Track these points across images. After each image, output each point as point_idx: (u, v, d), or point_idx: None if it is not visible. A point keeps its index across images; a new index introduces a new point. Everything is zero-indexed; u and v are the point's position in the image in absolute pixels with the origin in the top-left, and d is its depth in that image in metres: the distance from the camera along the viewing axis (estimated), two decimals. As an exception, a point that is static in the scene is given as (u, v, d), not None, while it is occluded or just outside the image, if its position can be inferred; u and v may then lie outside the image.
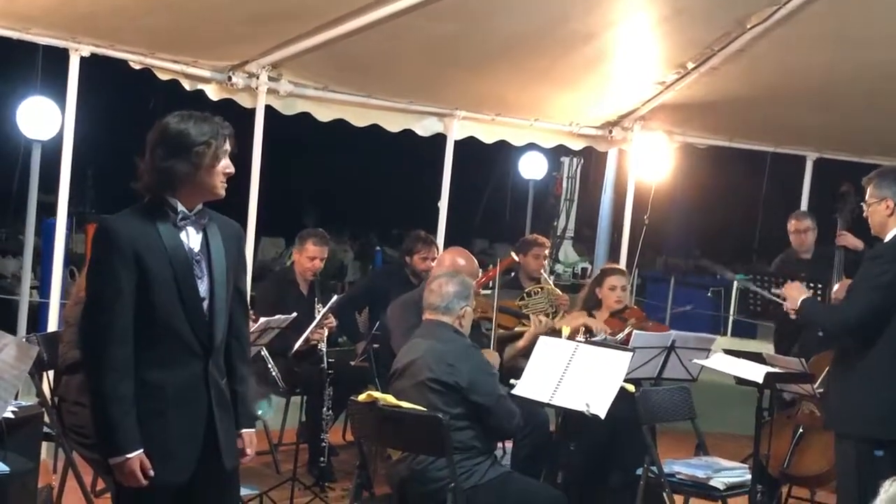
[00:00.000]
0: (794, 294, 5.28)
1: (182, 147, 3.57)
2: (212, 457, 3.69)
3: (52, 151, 7.27)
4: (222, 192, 3.69)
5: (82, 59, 6.67)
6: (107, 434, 3.52)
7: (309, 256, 7.16)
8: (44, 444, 5.60)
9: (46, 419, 5.26)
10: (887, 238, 4.92)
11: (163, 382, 3.58)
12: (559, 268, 18.65)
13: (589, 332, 6.51)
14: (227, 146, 3.66)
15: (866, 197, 5.00)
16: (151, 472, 3.52)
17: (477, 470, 4.89)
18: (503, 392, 5.14)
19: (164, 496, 3.66)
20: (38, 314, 9.17)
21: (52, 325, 6.81)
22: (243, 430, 3.85)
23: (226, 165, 3.65)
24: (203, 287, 3.65)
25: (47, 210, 8.79)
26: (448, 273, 5.44)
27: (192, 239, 3.65)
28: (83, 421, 5.21)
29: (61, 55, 6.70)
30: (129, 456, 3.49)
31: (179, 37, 6.82)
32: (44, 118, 7.40)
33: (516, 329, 6.75)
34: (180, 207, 3.62)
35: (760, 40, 7.28)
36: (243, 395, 3.88)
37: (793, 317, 5.39)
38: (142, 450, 3.51)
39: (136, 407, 3.50)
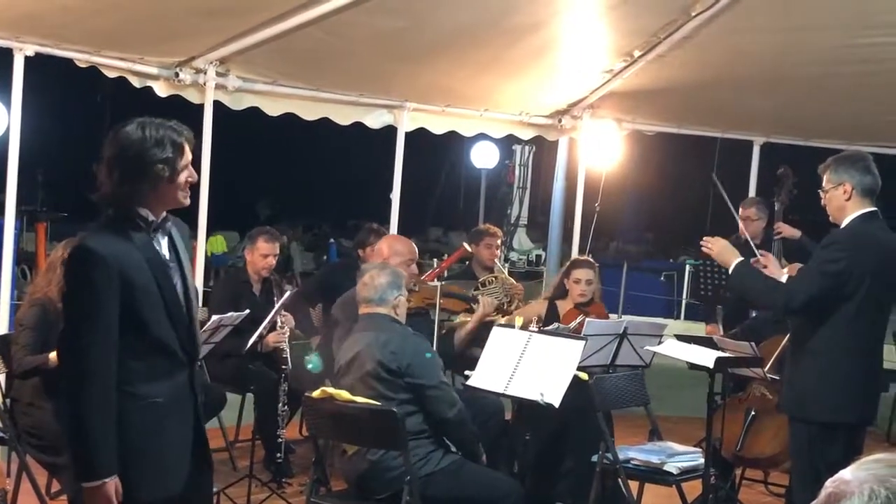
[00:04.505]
0: (724, 253, 5.12)
1: (140, 169, 3.40)
2: (200, 464, 3.63)
3: (-1, 151, 7.21)
4: (186, 202, 3.56)
5: (27, 57, 6.61)
6: (85, 455, 3.31)
7: (262, 254, 7.12)
8: (-3, 448, 5.57)
9: (-1, 422, 5.23)
10: (844, 223, 4.91)
11: (156, 394, 3.44)
12: (514, 255, 18.72)
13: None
14: (187, 156, 3.49)
15: (823, 184, 4.98)
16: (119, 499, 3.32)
17: (431, 457, 4.94)
18: (446, 380, 5.22)
19: None
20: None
21: (3, 327, 6.75)
22: None
23: (187, 175, 3.51)
24: (179, 293, 3.54)
25: (-4, 209, 8.73)
26: (377, 265, 5.49)
27: (162, 247, 3.53)
28: (37, 423, 5.21)
29: (5, 55, 6.64)
30: (106, 481, 3.28)
31: (125, 34, 6.78)
32: (-11, 118, 7.34)
33: (461, 315, 6.79)
34: (151, 217, 3.48)
35: (706, 27, 7.32)
36: None
37: None
38: (116, 475, 3.31)
39: (116, 428, 3.32)
